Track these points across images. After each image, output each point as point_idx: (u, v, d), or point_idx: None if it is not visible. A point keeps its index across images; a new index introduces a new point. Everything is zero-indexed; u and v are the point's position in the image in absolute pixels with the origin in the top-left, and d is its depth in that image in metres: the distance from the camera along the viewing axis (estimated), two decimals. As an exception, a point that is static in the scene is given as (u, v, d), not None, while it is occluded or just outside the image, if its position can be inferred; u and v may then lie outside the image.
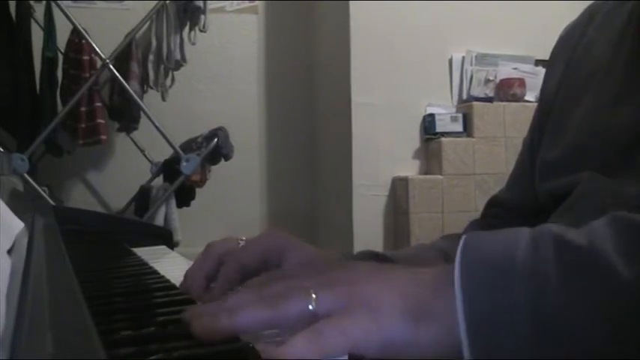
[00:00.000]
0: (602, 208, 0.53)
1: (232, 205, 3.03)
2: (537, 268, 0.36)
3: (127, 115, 2.55)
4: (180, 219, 2.31)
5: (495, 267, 0.36)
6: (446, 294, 0.37)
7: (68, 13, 2.19)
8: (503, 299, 0.35)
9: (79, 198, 2.88)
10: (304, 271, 0.45)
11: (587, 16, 0.69)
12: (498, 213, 0.77)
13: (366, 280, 0.40)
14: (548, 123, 0.68)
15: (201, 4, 2.28)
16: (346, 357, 0.38)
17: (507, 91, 2.72)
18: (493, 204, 0.79)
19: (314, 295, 0.39)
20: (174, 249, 1.04)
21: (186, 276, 0.57)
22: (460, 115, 2.69)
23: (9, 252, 0.45)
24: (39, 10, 2.36)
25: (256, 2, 3.14)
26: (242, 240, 0.58)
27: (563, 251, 0.36)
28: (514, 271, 0.36)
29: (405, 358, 0.38)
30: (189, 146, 2.31)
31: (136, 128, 2.67)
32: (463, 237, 0.39)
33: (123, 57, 2.32)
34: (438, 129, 2.65)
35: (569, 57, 0.68)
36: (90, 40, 2.22)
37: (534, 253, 0.36)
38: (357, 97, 2.68)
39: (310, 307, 0.38)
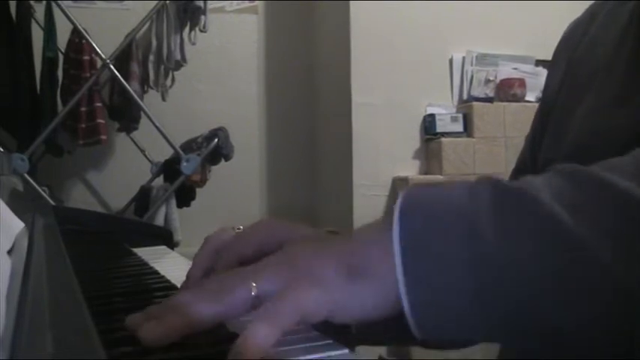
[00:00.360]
0: None
1: (232, 205, 3.03)
2: (471, 207, 0.36)
3: (127, 115, 2.55)
4: (180, 219, 2.31)
5: (432, 212, 0.37)
6: (385, 246, 0.37)
7: (68, 13, 2.19)
8: (439, 247, 0.35)
9: (79, 198, 2.88)
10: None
11: (589, 15, 0.69)
12: None
13: (303, 253, 0.41)
14: (550, 121, 0.68)
15: (201, 4, 2.28)
16: (346, 351, 0.39)
17: (508, 91, 2.72)
18: None
19: (253, 283, 0.39)
20: (175, 249, 1.04)
21: (188, 276, 0.57)
22: (460, 115, 2.69)
23: (9, 252, 0.45)
24: (39, 10, 2.36)
25: (256, 2, 3.14)
26: (239, 229, 0.58)
27: (498, 195, 0.36)
28: (449, 217, 0.36)
29: (352, 318, 0.38)
30: (189, 146, 2.31)
31: (136, 128, 2.67)
32: (404, 190, 0.40)
33: (123, 57, 2.32)
34: (439, 129, 2.65)
35: (571, 56, 0.68)
36: (90, 40, 2.22)
37: (470, 198, 0.37)
38: (357, 97, 2.68)
39: (252, 292, 0.39)
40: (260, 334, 0.36)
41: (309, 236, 0.49)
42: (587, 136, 0.60)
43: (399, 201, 0.38)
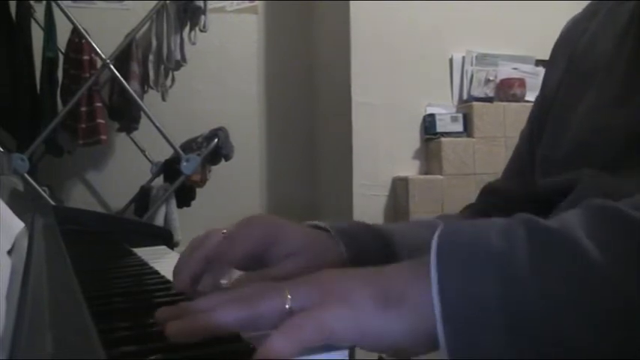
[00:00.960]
0: None
1: (233, 205, 3.03)
2: (508, 254, 0.36)
3: (127, 115, 2.55)
4: (180, 219, 2.31)
5: (469, 255, 0.37)
6: (420, 282, 0.37)
7: (68, 13, 2.19)
8: (476, 285, 0.36)
9: (79, 198, 2.88)
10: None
11: (590, 12, 0.69)
12: (497, 203, 0.77)
13: (341, 276, 0.41)
14: (549, 118, 0.68)
15: (201, 4, 2.28)
16: (347, 357, 0.39)
17: (507, 91, 2.72)
18: (490, 192, 0.79)
19: (289, 295, 0.39)
20: (175, 249, 1.04)
21: (174, 274, 0.57)
22: (460, 115, 2.69)
23: (9, 252, 0.45)
24: (39, 10, 2.36)
25: (256, 2, 3.13)
26: (224, 232, 0.57)
27: (534, 236, 0.37)
28: (486, 259, 0.36)
29: (380, 346, 0.38)
30: (189, 146, 2.31)
31: (136, 128, 2.67)
32: (440, 225, 0.40)
33: (123, 57, 2.32)
34: (438, 129, 2.65)
35: (571, 52, 0.68)
36: (90, 40, 2.22)
37: (506, 239, 0.37)
38: (357, 97, 2.68)
39: (287, 305, 0.39)
40: (279, 347, 0.36)
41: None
42: (588, 134, 0.60)
43: (434, 242, 0.38)
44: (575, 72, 0.66)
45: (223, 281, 0.56)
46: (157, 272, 0.68)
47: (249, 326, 0.40)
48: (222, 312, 0.39)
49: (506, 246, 0.37)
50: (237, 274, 0.56)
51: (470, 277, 0.36)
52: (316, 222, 0.62)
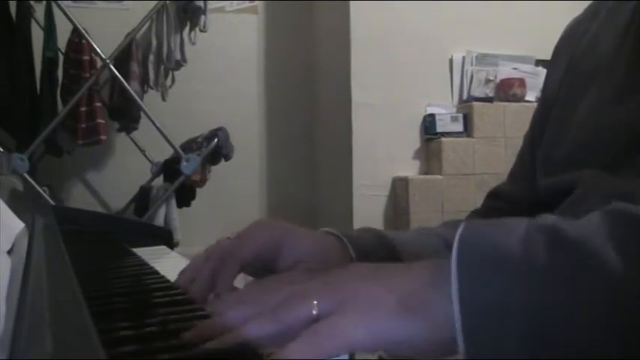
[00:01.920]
0: (604, 206, 0.53)
1: (232, 205, 3.03)
2: (529, 263, 0.36)
3: (127, 115, 2.55)
4: (180, 219, 2.31)
5: (489, 262, 0.37)
6: (440, 289, 0.37)
7: (68, 13, 2.19)
8: (497, 295, 0.35)
9: (79, 198, 2.88)
10: (302, 275, 0.45)
11: (591, 13, 0.69)
12: (501, 206, 0.77)
13: (363, 280, 0.41)
14: (550, 118, 0.68)
15: (201, 4, 2.28)
16: (347, 357, 0.39)
17: (507, 91, 2.72)
18: (495, 196, 0.79)
19: (315, 302, 0.39)
20: (174, 249, 1.04)
21: (184, 271, 0.57)
22: (460, 115, 2.69)
23: (9, 252, 0.45)
24: (39, 10, 2.36)
25: (256, 2, 3.14)
26: (231, 238, 0.58)
27: (555, 245, 0.36)
28: (507, 266, 0.36)
29: (402, 352, 0.38)
30: (189, 146, 2.31)
31: (136, 128, 2.67)
32: (459, 229, 0.39)
33: (123, 57, 2.32)
34: (439, 129, 2.65)
35: (572, 53, 0.68)
36: (90, 40, 2.22)
37: (527, 247, 0.37)
38: (357, 97, 2.68)
39: (314, 312, 0.39)
40: (298, 354, 0.36)
41: (360, 265, 0.47)
42: (588, 133, 0.60)
43: (455, 250, 0.38)
44: (576, 72, 0.66)
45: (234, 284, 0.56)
46: (156, 272, 0.68)
47: (278, 338, 0.39)
48: (252, 329, 0.39)
49: (527, 255, 0.36)
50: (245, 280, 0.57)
51: (491, 287, 0.36)
52: (327, 228, 0.62)
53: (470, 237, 0.39)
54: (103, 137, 2.29)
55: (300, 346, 0.36)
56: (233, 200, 3.03)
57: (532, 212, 0.60)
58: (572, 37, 0.69)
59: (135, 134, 2.78)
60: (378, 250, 0.61)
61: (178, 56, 2.33)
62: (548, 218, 0.39)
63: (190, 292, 0.55)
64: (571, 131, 0.62)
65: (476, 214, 0.80)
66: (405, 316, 0.38)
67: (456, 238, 0.39)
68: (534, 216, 0.41)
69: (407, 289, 0.39)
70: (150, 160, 2.80)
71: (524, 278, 0.36)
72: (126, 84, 2.23)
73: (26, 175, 2.00)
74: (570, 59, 0.68)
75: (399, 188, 2.65)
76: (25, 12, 2.21)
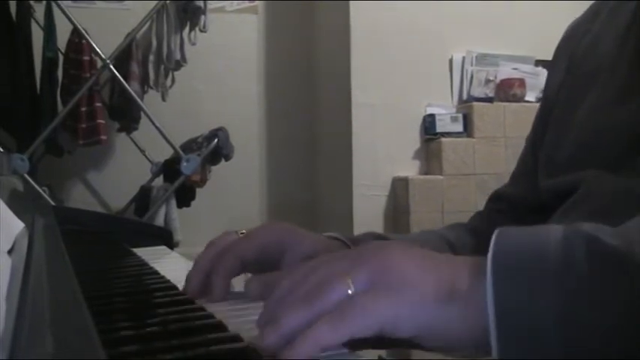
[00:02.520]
0: (606, 206, 0.52)
1: (232, 206, 3.03)
2: (568, 270, 0.35)
3: (127, 115, 2.55)
4: (180, 219, 2.31)
5: (526, 266, 0.36)
6: (479, 283, 0.36)
7: (68, 13, 2.19)
8: (533, 300, 0.35)
9: (79, 198, 2.88)
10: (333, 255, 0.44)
11: (592, 14, 0.69)
12: (502, 208, 0.77)
13: (401, 258, 0.40)
14: (551, 119, 0.68)
15: (201, 4, 2.28)
16: (346, 350, 0.38)
17: (507, 91, 2.72)
18: (497, 198, 0.79)
19: (349, 280, 0.38)
20: (174, 249, 1.04)
21: (187, 279, 0.57)
22: (460, 116, 2.69)
23: (9, 252, 0.45)
24: (39, 10, 2.36)
25: (256, 2, 3.14)
26: (242, 233, 0.58)
27: (595, 253, 0.36)
28: (544, 273, 0.35)
29: (435, 339, 0.37)
30: (189, 146, 2.31)
31: (136, 128, 2.67)
32: (496, 231, 0.38)
33: (123, 57, 2.32)
34: (438, 129, 2.65)
35: (572, 53, 0.68)
36: (90, 41, 2.22)
37: (566, 253, 0.36)
38: (357, 97, 2.68)
39: (349, 291, 0.38)
40: (322, 335, 0.35)
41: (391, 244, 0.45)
42: (590, 133, 0.60)
43: (490, 253, 0.37)
44: (577, 73, 0.66)
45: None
46: (156, 272, 0.68)
47: (316, 320, 0.38)
48: (289, 317, 0.38)
49: (565, 262, 0.35)
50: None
51: (526, 292, 0.35)
52: (330, 233, 0.62)
53: (505, 238, 0.38)
54: (104, 137, 2.29)
55: (326, 325, 0.36)
56: (233, 200, 3.03)
57: (534, 214, 0.59)
58: (573, 38, 0.69)
59: (135, 134, 2.78)
60: None
61: (178, 56, 2.33)
62: (584, 224, 0.38)
63: (186, 288, 0.55)
64: (572, 132, 0.62)
65: (479, 215, 0.80)
66: (444, 302, 0.37)
67: (493, 237, 0.38)
68: (537, 218, 0.40)
69: (447, 276, 0.38)
70: (150, 160, 2.80)
71: (560, 284, 0.35)
72: (126, 84, 2.23)
73: (26, 176, 2.00)
74: (570, 60, 0.68)
75: (399, 188, 2.65)
76: (25, 12, 2.21)
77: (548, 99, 0.71)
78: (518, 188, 0.76)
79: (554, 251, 0.36)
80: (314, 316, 0.37)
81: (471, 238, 0.71)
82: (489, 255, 0.37)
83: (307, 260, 0.52)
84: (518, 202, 0.74)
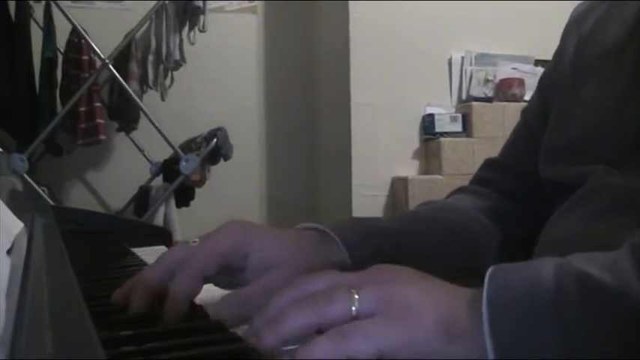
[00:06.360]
0: (612, 205, 0.52)
1: (231, 205, 3.03)
2: (561, 313, 0.35)
3: (126, 115, 2.55)
4: (179, 219, 2.31)
5: (520, 310, 0.36)
6: (477, 322, 0.36)
7: (67, 13, 2.19)
8: (529, 344, 0.35)
9: (78, 198, 2.88)
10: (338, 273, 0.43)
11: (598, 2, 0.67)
12: (496, 178, 0.76)
13: (410, 289, 0.39)
14: (556, 99, 0.66)
15: (200, 4, 2.28)
16: None
17: (507, 91, 2.73)
18: (493, 168, 0.78)
19: (356, 296, 0.38)
20: (174, 249, 1.04)
21: (133, 289, 0.48)
22: (459, 115, 2.69)
23: (8, 252, 0.45)
24: (38, 11, 2.36)
25: (255, 2, 3.14)
26: (194, 241, 0.50)
27: (587, 295, 0.36)
28: (539, 311, 0.36)
29: None
30: (188, 146, 2.31)
31: (135, 128, 2.67)
32: (489, 271, 0.38)
33: (122, 57, 2.32)
34: (438, 129, 2.65)
35: (579, 35, 0.66)
36: (89, 40, 2.22)
37: (558, 295, 0.36)
38: (356, 97, 2.68)
39: (353, 308, 0.38)
40: (322, 352, 0.35)
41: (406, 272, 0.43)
42: (595, 126, 0.58)
43: (485, 295, 0.37)
44: (583, 55, 0.64)
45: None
46: (156, 272, 0.68)
47: (314, 330, 0.38)
48: (290, 321, 0.38)
49: (557, 308, 0.36)
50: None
51: (521, 333, 0.35)
52: (307, 224, 0.57)
53: (500, 287, 0.38)
54: (103, 137, 2.29)
55: (325, 342, 0.35)
56: (232, 200, 3.03)
57: (534, 201, 0.59)
58: (580, 20, 0.68)
59: (134, 134, 2.78)
60: (374, 245, 0.57)
61: (177, 56, 2.33)
62: (574, 260, 0.38)
63: (130, 302, 0.46)
64: (575, 120, 0.61)
65: (473, 183, 0.79)
66: (445, 337, 0.37)
67: (486, 277, 0.38)
68: (536, 207, 0.40)
69: (453, 311, 0.38)
70: (149, 160, 2.80)
71: (554, 328, 0.35)
72: (125, 84, 2.23)
73: (25, 175, 2.00)
74: (578, 41, 0.66)
75: (398, 188, 2.65)
76: (25, 12, 2.21)
77: (557, 72, 0.68)
78: (512, 158, 0.75)
79: (547, 293, 0.36)
80: (316, 323, 0.37)
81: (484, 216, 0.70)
82: (484, 296, 0.37)
83: (271, 268, 0.49)
84: (511, 172, 0.74)
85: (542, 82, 0.72)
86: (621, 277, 0.36)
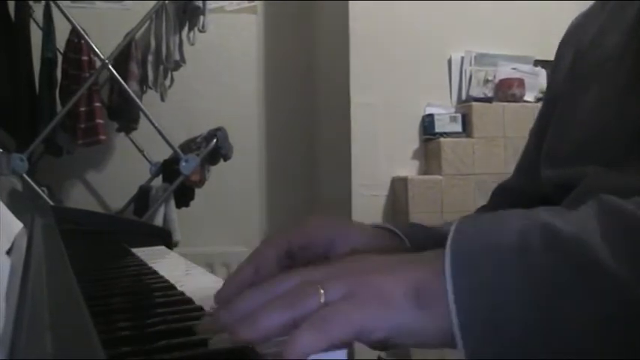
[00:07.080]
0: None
1: (231, 206, 3.03)
2: (524, 264, 0.36)
3: (126, 115, 2.55)
4: (179, 219, 2.31)
5: (483, 260, 0.37)
6: (441, 280, 0.37)
7: (67, 13, 2.18)
8: (494, 295, 0.36)
9: (78, 198, 2.88)
10: (313, 266, 0.44)
11: (599, 6, 0.68)
12: (505, 200, 0.77)
13: (374, 270, 0.41)
14: (555, 110, 0.67)
15: (200, 4, 2.28)
16: (345, 350, 0.39)
17: (506, 91, 2.72)
18: (501, 191, 0.79)
19: (322, 291, 0.39)
20: (173, 249, 1.04)
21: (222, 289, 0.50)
22: (459, 116, 2.69)
23: (8, 252, 0.45)
24: (38, 11, 2.36)
25: (255, 2, 3.13)
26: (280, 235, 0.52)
27: (552, 246, 0.36)
28: (502, 256, 0.36)
29: (410, 343, 0.38)
30: (188, 146, 2.31)
31: (135, 128, 2.67)
32: (454, 224, 0.40)
33: (122, 57, 2.32)
34: (437, 129, 2.65)
35: (578, 46, 0.67)
36: (89, 40, 2.22)
37: (522, 245, 0.37)
38: (356, 97, 2.68)
39: (322, 300, 0.38)
40: (306, 342, 0.35)
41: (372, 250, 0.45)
42: (594, 127, 0.59)
43: (449, 244, 0.38)
44: (583, 64, 0.65)
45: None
46: (155, 272, 0.68)
47: (290, 328, 0.38)
48: (264, 319, 0.38)
49: (520, 258, 0.36)
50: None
51: (484, 279, 0.36)
52: (378, 223, 0.60)
53: (462, 230, 0.39)
54: (103, 137, 2.29)
55: (307, 332, 0.36)
56: (232, 200, 3.03)
57: (537, 206, 0.60)
58: (579, 30, 0.69)
59: (134, 134, 2.77)
60: (431, 241, 0.59)
61: (177, 56, 2.33)
62: (541, 213, 0.39)
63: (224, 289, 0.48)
64: (576, 124, 0.62)
65: (483, 209, 0.80)
66: (417, 307, 0.38)
67: (450, 233, 0.39)
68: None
69: (418, 280, 0.39)
70: (149, 161, 2.80)
71: (518, 279, 0.35)
72: (125, 84, 2.23)
73: (25, 176, 2.00)
74: (576, 51, 0.67)
75: (398, 188, 2.65)
76: (24, 12, 2.21)
77: (552, 90, 0.70)
78: (521, 179, 0.76)
79: (510, 242, 0.37)
80: (291, 319, 0.38)
81: None
82: (447, 245, 0.38)
83: (355, 252, 0.51)
84: (522, 193, 0.74)
85: (545, 99, 0.74)
86: (585, 228, 0.37)
